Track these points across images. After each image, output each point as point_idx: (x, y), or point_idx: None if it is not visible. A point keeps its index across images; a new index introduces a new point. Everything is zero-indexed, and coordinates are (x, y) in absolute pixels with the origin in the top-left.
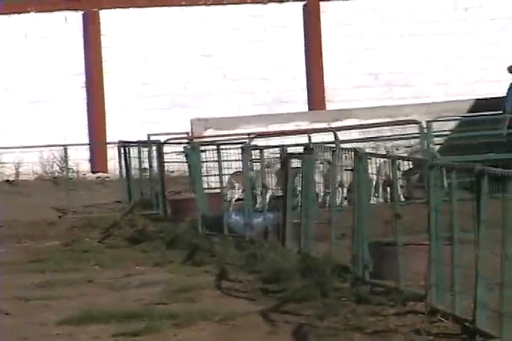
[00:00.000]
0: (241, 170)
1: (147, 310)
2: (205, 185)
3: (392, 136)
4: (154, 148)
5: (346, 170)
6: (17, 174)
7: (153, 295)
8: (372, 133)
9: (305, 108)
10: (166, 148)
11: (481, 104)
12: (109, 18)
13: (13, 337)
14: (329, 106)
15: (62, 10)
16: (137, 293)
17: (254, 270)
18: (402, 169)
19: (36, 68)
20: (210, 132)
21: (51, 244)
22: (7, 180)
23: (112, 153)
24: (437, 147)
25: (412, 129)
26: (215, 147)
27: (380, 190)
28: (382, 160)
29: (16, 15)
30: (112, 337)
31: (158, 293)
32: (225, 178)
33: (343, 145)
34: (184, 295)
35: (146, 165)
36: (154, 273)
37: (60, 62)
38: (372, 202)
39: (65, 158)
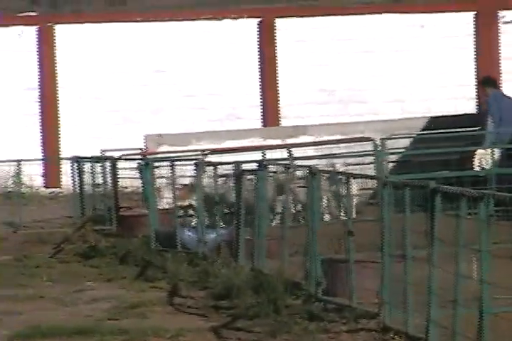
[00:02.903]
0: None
1: (98, 326)
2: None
3: (346, 153)
4: (108, 163)
5: (300, 187)
6: None
7: (104, 310)
8: (327, 150)
9: (259, 124)
10: (120, 164)
11: (436, 122)
12: (63, 33)
13: None
14: (283, 123)
15: (17, 24)
16: (88, 309)
17: (207, 286)
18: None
19: None
20: (164, 148)
21: (2, 259)
22: None
23: (66, 168)
24: (391, 164)
25: (367, 146)
26: (168, 163)
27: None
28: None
29: None
30: None
31: (109, 308)
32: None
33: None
34: (135, 311)
35: (99, 180)
36: (106, 289)
37: (13, 76)
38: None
39: (18, 173)
